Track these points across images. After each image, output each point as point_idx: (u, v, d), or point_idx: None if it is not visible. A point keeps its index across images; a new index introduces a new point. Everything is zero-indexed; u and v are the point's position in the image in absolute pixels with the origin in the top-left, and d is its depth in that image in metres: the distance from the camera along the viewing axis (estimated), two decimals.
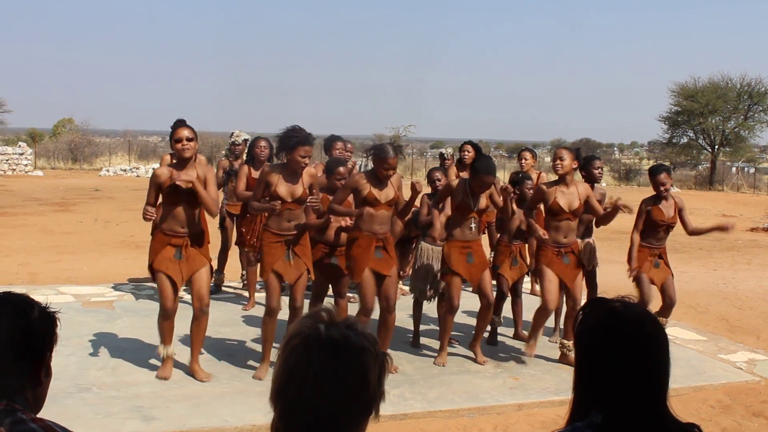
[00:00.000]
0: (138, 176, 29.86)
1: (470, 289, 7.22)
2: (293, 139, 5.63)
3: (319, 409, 1.36)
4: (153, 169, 5.31)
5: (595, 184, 7.19)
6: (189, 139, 5.54)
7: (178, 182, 5.45)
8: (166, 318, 5.63)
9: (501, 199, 6.31)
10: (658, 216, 6.70)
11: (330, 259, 6.19)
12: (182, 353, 5.98)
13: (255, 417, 5.01)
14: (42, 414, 1.75)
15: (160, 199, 5.66)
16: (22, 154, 29.67)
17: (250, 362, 6.21)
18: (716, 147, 37.86)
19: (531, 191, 6.90)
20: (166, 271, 5.55)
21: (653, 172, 6.83)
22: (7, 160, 29.09)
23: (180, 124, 5.64)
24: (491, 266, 7.16)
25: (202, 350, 6.31)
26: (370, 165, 6.20)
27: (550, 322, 6.86)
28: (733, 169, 39.83)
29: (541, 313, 6.35)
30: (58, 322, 1.79)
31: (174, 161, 5.73)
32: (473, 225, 6.25)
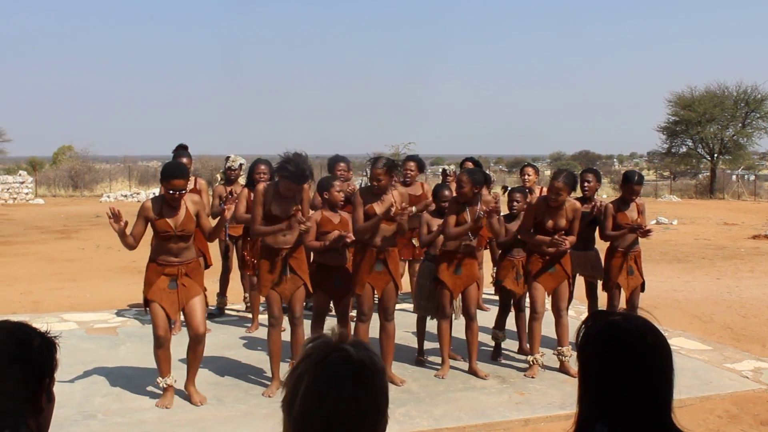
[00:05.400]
0: (139, 201, 29.90)
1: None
2: (285, 172, 5.72)
3: (355, 430, 1.37)
4: (154, 194, 5.29)
5: (594, 197, 7.31)
6: (182, 191, 5.49)
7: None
8: (160, 346, 5.59)
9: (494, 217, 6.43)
10: (623, 219, 6.86)
11: (334, 281, 6.18)
12: (184, 377, 5.97)
13: None
14: None
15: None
16: (22, 182, 29.76)
17: (255, 385, 6.20)
18: (715, 155, 37.90)
19: (518, 203, 6.93)
20: (160, 302, 5.54)
21: (630, 179, 6.89)
22: (8, 189, 29.17)
23: (177, 172, 5.48)
24: (495, 281, 7.17)
25: (208, 372, 6.32)
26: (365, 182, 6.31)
27: (552, 333, 6.84)
28: (734, 176, 39.84)
29: (532, 322, 6.58)
30: (57, 348, 1.78)
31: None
32: (469, 238, 6.36)
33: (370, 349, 1.45)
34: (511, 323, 7.34)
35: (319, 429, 1.36)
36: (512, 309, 7.31)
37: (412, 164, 8.41)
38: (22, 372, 1.69)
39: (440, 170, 9.61)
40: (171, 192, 5.46)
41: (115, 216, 5.32)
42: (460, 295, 6.54)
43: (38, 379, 1.73)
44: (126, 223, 5.40)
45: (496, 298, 7.44)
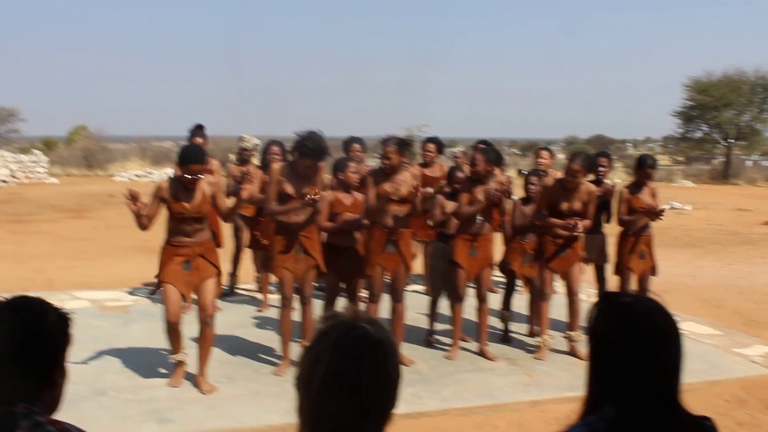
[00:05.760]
0: (152, 181, 29.98)
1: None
2: (305, 149, 5.76)
3: (372, 406, 1.37)
4: (166, 174, 5.30)
5: (604, 181, 7.35)
6: (199, 174, 5.48)
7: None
8: (170, 330, 5.60)
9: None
10: (638, 204, 6.87)
11: (344, 262, 6.21)
12: (195, 355, 6.01)
13: (271, 418, 5.04)
14: (59, 418, 1.77)
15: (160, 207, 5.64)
16: (37, 161, 29.88)
17: (265, 364, 6.25)
18: (731, 141, 37.58)
19: (534, 186, 6.93)
20: (173, 283, 5.53)
21: (644, 163, 6.93)
22: (22, 169, 29.30)
23: (194, 156, 5.49)
24: (502, 262, 7.18)
25: (219, 350, 6.36)
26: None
27: (562, 316, 6.84)
28: (749, 162, 39.51)
29: (540, 303, 6.64)
30: (71, 323, 1.81)
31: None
32: (479, 219, 6.36)
33: (384, 326, 1.45)
34: (521, 306, 7.35)
35: (338, 407, 1.36)
36: (527, 292, 7.33)
37: (431, 146, 8.36)
38: (38, 346, 1.73)
39: (449, 153, 9.59)
40: (187, 176, 5.48)
41: (133, 197, 5.34)
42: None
43: (53, 353, 1.76)
44: (143, 205, 5.42)
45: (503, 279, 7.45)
